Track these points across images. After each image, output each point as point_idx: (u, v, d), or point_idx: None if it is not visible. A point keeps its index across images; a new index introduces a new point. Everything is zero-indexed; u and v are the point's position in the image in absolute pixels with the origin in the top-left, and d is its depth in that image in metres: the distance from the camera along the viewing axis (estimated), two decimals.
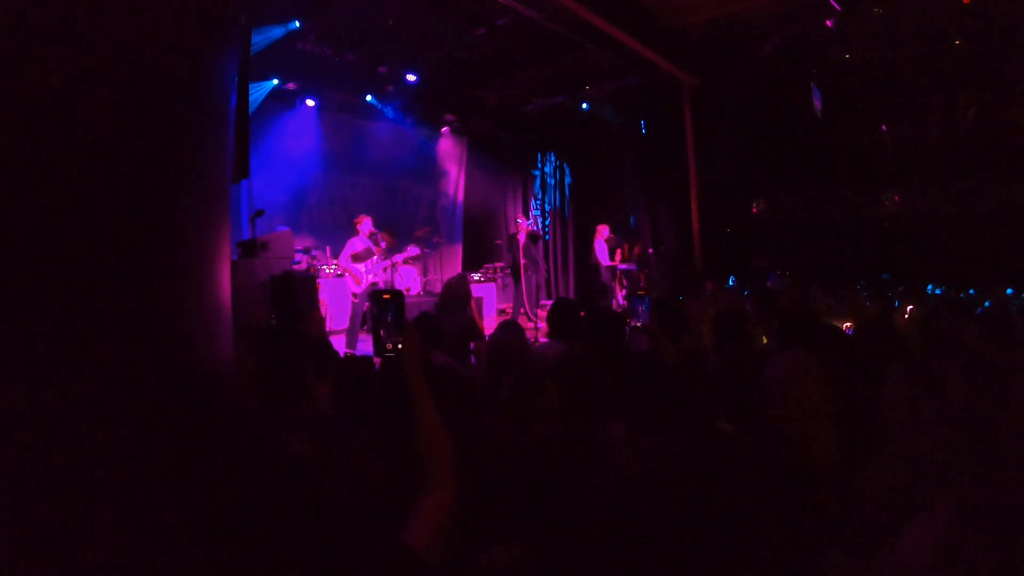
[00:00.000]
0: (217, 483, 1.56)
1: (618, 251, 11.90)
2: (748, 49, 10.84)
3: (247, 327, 3.33)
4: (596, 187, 14.14)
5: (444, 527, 1.50)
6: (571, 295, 13.88)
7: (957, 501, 0.74)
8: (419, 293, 11.71)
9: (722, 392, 2.82)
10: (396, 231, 9.85)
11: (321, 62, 10.59)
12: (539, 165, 15.05)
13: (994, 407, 2.30)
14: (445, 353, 3.66)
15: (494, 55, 10.94)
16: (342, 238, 9.25)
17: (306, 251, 10.38)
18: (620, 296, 11.62)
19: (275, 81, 10.65)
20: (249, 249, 6.75)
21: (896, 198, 11.69)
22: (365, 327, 8.83)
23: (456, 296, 4.26)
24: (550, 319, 4.22)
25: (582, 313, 4.13)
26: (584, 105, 13.41)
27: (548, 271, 10.73)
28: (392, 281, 9.78)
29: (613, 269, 11.43)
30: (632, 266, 11.83)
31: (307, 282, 7.35)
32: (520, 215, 10.43)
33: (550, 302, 7.36)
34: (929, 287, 8.53)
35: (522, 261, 9.93)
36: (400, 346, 1.75)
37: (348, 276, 8.59)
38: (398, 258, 9.92)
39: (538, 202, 14.70)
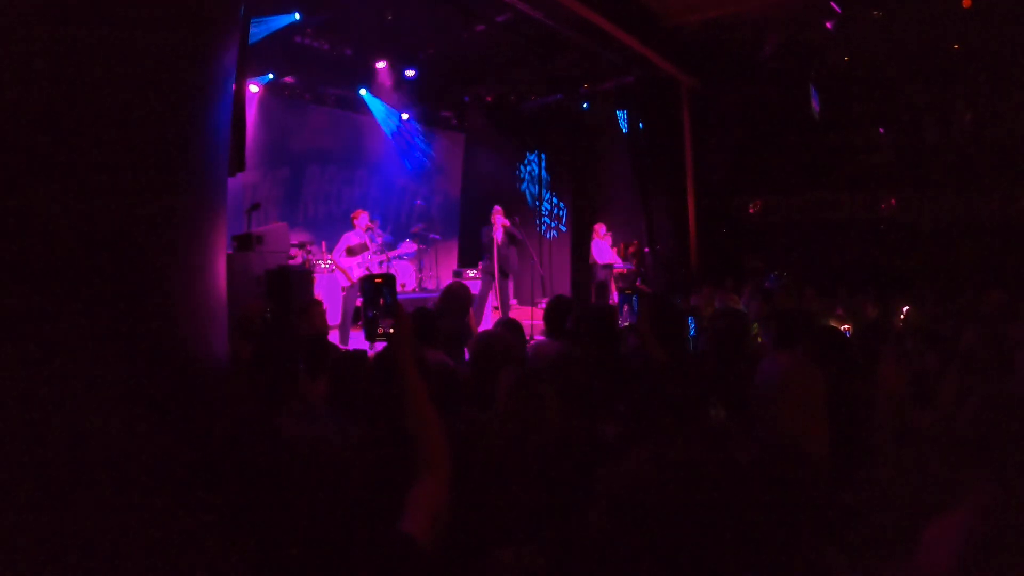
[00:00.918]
0: (213, 475, 1.55)
1: (614, 250, 11.90)
2: (747, 50, 10.85)
3: (242, 321, 3.31)
4: (594, 186, 14.13)
5: (441, 514, 1.49)
6: (568, 293, 13.88)
7: (976, 506, 0.73)
8: (414, 289, 11.69)
9: (716, 386, 2.82)
10: (392, 227, 9.80)
11: (319, 56, 10.55)
12: (537, 162, 15.03)
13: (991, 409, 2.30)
14: (439, 351, 3.65)
15: (493, 52, 10.92)
16: (337, 233, 9.24)
17: (301, 246, 10.35)
18: (615, 294, 11.62)
19: (271, 75, 10.62)
20: (244, 243, 6.72)
21: (892, 201, 11.72)
22: (358, 323, 8.82)
23: (456, 299, 4.23)
24: (546, 317, 4.21)
25: (578, 311, 4.13)
26: (584, 104, 13.40)
27: (540, 268, 10.56)
28: None
29: (610, 267, 11.44)
30: (629, 265, 11.83)
31: (302, 276, 7.32)
32: (498, 212, 9.68)
33: (546, 300, 7.34)
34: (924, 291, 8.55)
35: (496, 262, 9.56)
36: (392, 330, 1.73)
37: (337, 272, 8.59)
38: (394, 254, 9.90)
39: (546, 201, 14.63)
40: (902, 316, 5.30)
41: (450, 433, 1.69)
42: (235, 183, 9.78)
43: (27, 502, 1.42)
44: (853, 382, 2.80)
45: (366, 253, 8.38)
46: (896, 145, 11.69)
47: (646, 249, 12.41)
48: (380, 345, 1.96)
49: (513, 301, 12.82)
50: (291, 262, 9.04)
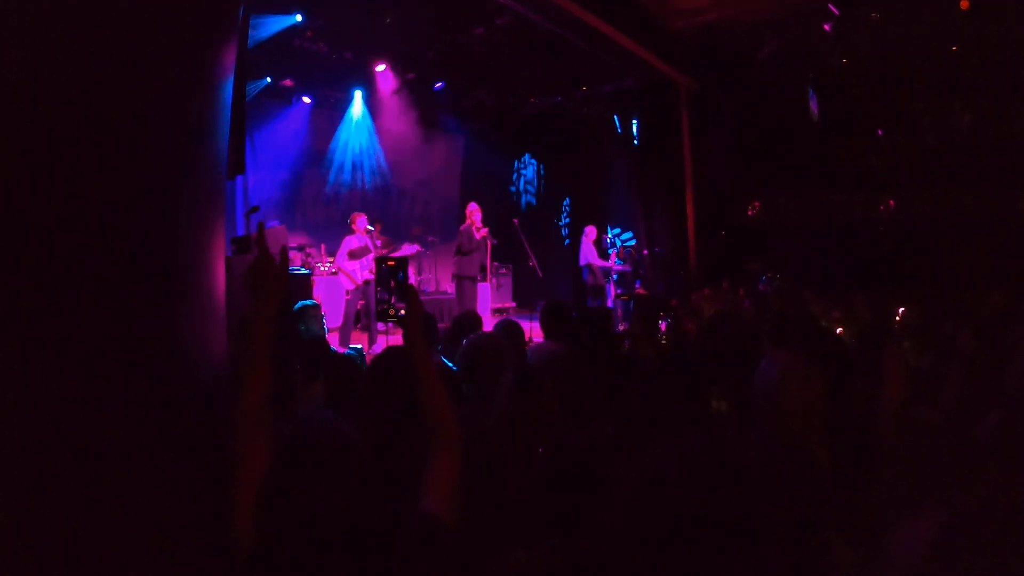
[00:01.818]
0: (215, 475, 1.55)
1: (613, 252, 11.90)
2: (745, 53, 10.86)
3: (243, 322, 3.31)
4: (593, 188, 14.14)
5: (457, 490, 1.50)
6: (568, 297, 13.89)
7: (949, 504, 0.73)
8: None
9: (717, 386, 2.83)
10: (391, 229, 9.79)
11: (318, 59, 10.56)
12: (535, 164, 15.05)
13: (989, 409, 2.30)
14: (438, 352, 3.65)
15: (492, 55, 10.93)
16: (336, 236, 9.23)
17: (300, 248, 10.36)
18: (612, 295, 11.63)
19: (268, 79, 10.62)
20: (243, 245, 6.73)
21: (891, 202, 11.72)
22: (359, 325, 8.83)
23: (468, 326, 4.15)
24: (543, 320, 4.21)
25: (574, 314, 4.13)
26: (584, 107, 13.43)
27: (539, 272, 10.54)
28: None
29: (607, 270, 11.44)
30: (627, 267, 11.84)
31: (301, 279, 7.33)
32: (469, 208, 9.04)
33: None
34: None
35: (489, 263, 9.42)
36: (403, 312, 1.76)
37: (341, 275, 8.59)
38: (393, 256, 9.89)
39: (545, 204, 14.60)
40: (898, 317, 5.30)
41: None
42: (234, 185, 9.81)
43: (26, 502, 1.42)
44: (852, 382, 2.81)
45: (368, 256, 8.37)
46: (894, 146, 11.69)
47: (644, 251, 12.42)
48: (379, 346, 1.98)
49: (512, 304, 12.83)
50: (290, 265, 9.04)
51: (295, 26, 9.14)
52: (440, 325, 4.55)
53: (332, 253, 10.23)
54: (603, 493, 1.06)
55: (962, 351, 2.94)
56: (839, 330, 5.04)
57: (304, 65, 10.66)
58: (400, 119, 12.81)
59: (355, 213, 8.77)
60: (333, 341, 8.04)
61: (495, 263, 12.56)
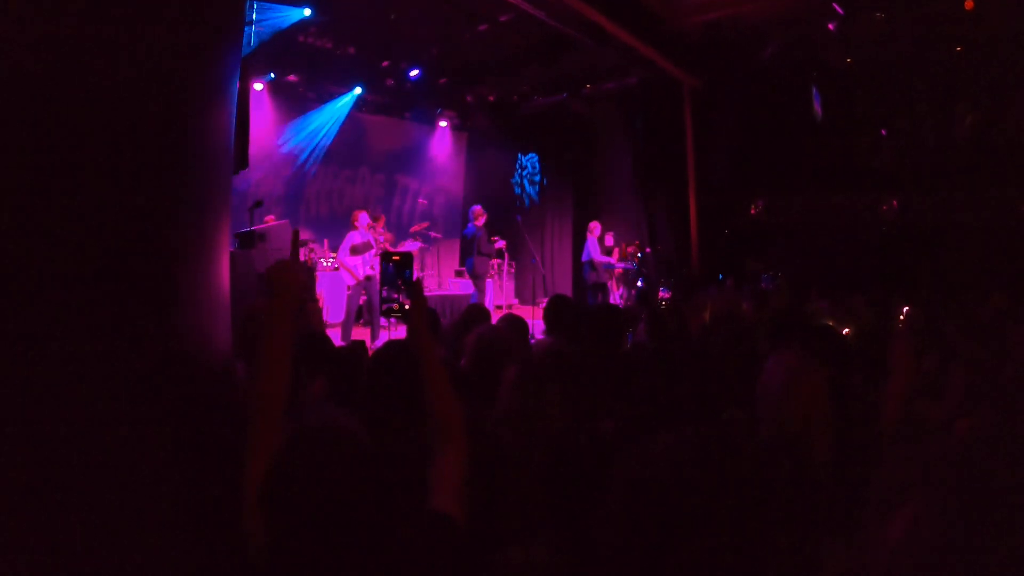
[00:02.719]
0: (218, 469, 1.56)
1: (616, 250, 11.90)
2: (749, 51, 10.84)
3: (247, 318, 3.32)
4: (596, 186, 14.14)
5: (463, 486, 1.49)
6: (569, 293, 13.89)
7: (924, 500, 0.74)
8: None
9: (721, 387, 2.83)
10: (394, 226, 9.84)
11: (322, 55, 10.56)
12: (537, 162, 15.04)
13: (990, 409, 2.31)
14: (442, 346, 3.66)
15: (496, 52, 10.93)
16: (339, 232, 9.28)
17: (304, 244, 10.38)
18: (616, 294, 11.63)
19: (272, 75, 10.61)
20: (247, 240, 6.73)
21: (894, 203, 11.70)
22: (360, 321, 8.88)
23: (475, 320, 4.16)
24: (546, 316, 4.22)
25: (578, 309, 4.14)
26: (587, 104, 13.42)
27: (541, 268, 10.61)
28: None
29: (610, 267, 11.43)
30: (630, 265, 11.84)
31: (304, 274, 7.33)
32: (479, 209, 9.99)
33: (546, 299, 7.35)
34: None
35: (494, 259, 9.90)
36: (407, 307, 1.75)
37: (343, 270, 8.67)
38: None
39: (547, 200, 14.57)
40: (902, 317, 5.31)
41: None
42: (238, 180, 9.83)
43: (31, 499, 1.43)
44: (854, 381, 2.81)
45: (369, 252, 8.45)
46: (898, 147, 11.68)
47: (647, 249, 12.41)
48: (380, 341, 1.99)
49: (514, 301, 12.85)
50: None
51: (301, 22, 9.13)
52: (443, 321, 4.55)
53: (334, 248, 10.26)
54: (603, 489, 1.06)
55: (962, 352, 2.94)
56: (846, 330, 5.04)
57: (308, 61, 10.66)
58: (404, 115, 12.81)
59: (357, 211, 8.90)
60: (335, 336, 8.07)
61: (498, 260, 12.60)
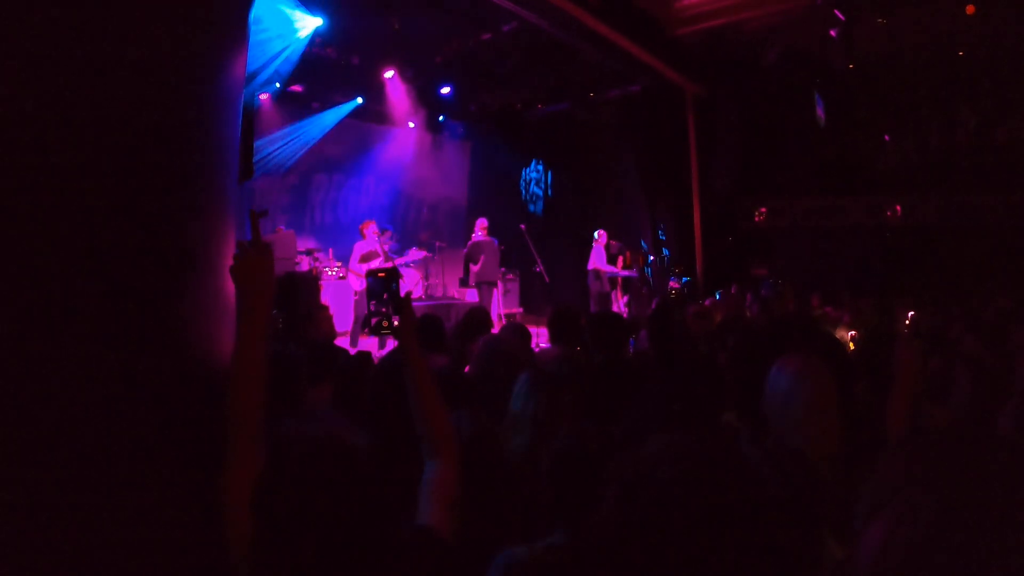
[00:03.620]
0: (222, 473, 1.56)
1: (620, 258, 11.89)
2: (752, 58, 10.87)
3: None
4: (598, 193, 14.15)
5: (456, 503, 1.49)
6: (574, 302, 13.87)
7: (908, 503, 0.74)
8: (420, 297, 11.72)
9: (728, 393, 2.83)
10: (399, 235, 9.90)
11: (326, 65, 10.60)
12: (542, 170, 15.07)
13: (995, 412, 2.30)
14: (446, 356, 3.67)
15: (499, 60, 10.97)
16: (345, 241, 9.32)
17: (308, 253, 10.41)
18: (622, 302, 11.61)
19: (277, 84, 10.64)
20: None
21: (898, 208, 11.69)
22: (366, 328, 8.91)
23: (477, 323, 4.19)
24: (550, 325, 4.23)
25: (583, 318, 4.14)
26: (591, 113, 13.45)
27: (546, 277, 10.63)
28: None
29: (614, 276, 11.42)
30: (633, 273, 11.82)
31: (310, 282, 7.36)
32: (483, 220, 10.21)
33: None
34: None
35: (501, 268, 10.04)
36: (396, 324, 1.74)
37: (352, 275, 8.78)
38: (401, 261, 10.00)
39: (552, 207, 14.61)
40: (907, 321, 5.30)
41: (458, 433, 1.71)
42: (242, 190, 9.86)
43: (33, 500, 1.44)
44: (857, 388, 2.81)
45: (376, 260, 8.55)
46: (901, 151, 11.68)
47: (652, 257, 12.41)
48: (388, 348, 2.00)
49: (519, 310, 12.85)
50: (298, 268, 9.15)
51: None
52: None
53: (340, 257, 10.31)
54: (607, 493, 1.06)
55: (965, 355, 2.94)
56: (851, 334, 5.04)
57: (312, 70, 10.70)
58: (408, 124, 12.85)
59: (366, 220, 9.08)
60: (342, 344, 8.10)
61: (502, 268, 12.61)
